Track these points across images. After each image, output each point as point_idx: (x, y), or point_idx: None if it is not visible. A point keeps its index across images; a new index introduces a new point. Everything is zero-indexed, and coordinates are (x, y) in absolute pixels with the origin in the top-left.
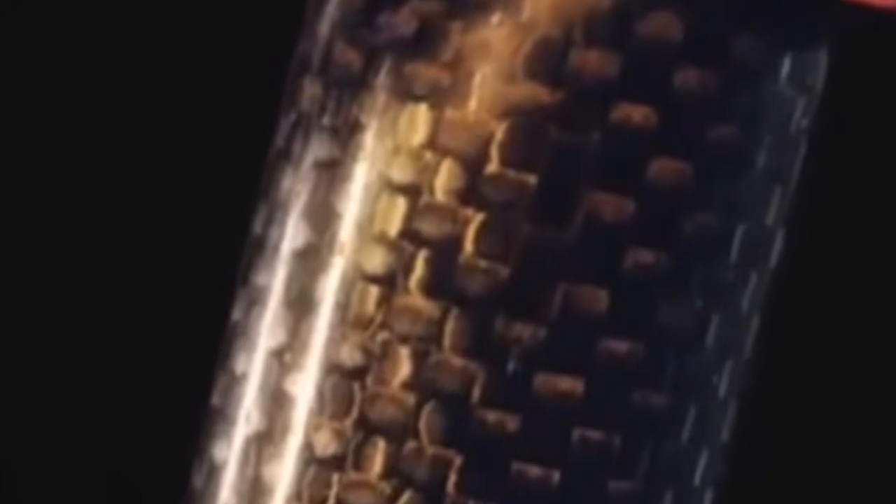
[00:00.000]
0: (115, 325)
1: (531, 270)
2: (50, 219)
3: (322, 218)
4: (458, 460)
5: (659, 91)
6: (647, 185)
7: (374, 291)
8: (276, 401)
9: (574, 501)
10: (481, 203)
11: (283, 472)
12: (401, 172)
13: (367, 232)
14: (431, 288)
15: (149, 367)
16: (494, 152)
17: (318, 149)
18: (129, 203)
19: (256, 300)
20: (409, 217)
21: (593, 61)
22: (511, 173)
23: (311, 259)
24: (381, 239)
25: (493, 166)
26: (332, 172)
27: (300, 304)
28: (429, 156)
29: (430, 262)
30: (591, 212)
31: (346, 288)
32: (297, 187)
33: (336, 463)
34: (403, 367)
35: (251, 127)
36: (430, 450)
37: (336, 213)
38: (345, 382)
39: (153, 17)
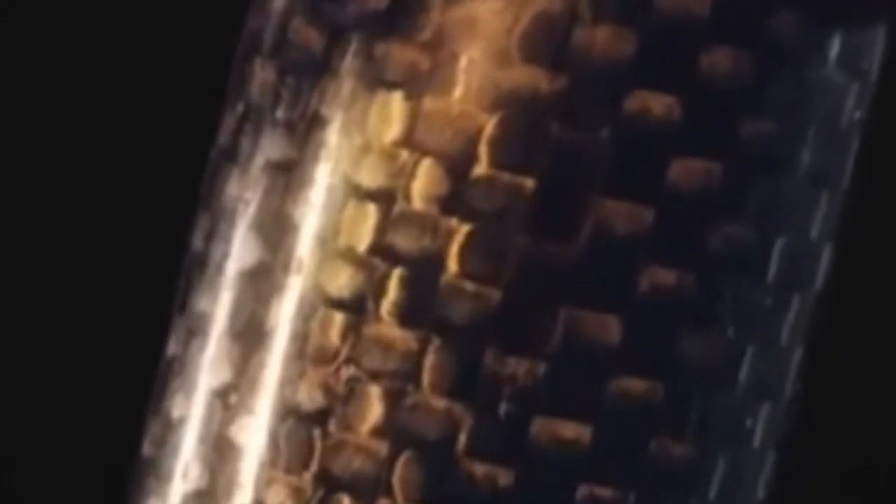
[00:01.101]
0: (24, 361)
1: (528, 294)
2: None
3: (276, 230)
4: None
5: (682, 77)
6: (667, 191)
7: (338, 319)
8: (221, 451)
9: None
10: (468, 212)
11: None
12: (371, 175)
13: (331, 247)
14: (408, 315)
15: (67, 410)
16: (483, 151)
17: (270, 147)
18: (42, 208)
19: (196, 330)
20: (381, 229)
21: (603, 41)
22: (504, 177)
23: (262, 280)
24: (348, 255)
25: (481, 168)
26: (288, 175)
27: (249, 335)
28: (404, 155)
29: (406, 284)
30: (600, 223)
31: (305, 315)
32: (245, 194)
33: None
34: (374, 410)
35: (188, 120)
36: None
37: (293, 224)
38: (303, 428)
39: None
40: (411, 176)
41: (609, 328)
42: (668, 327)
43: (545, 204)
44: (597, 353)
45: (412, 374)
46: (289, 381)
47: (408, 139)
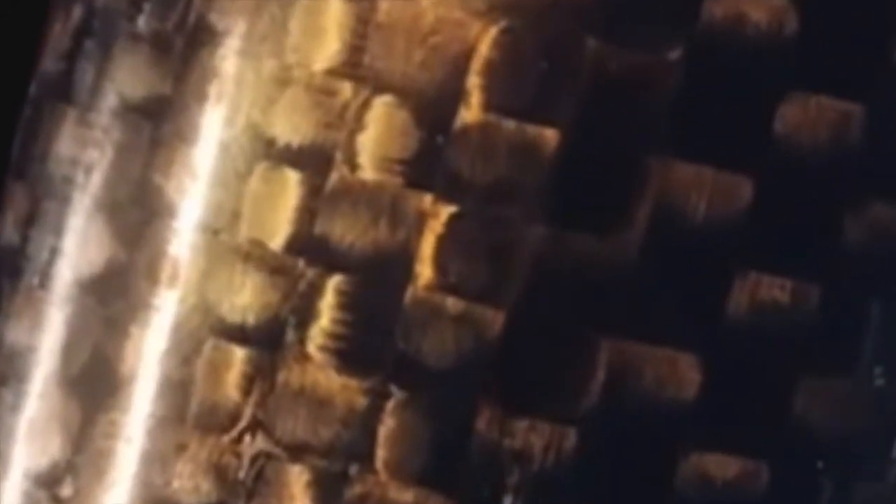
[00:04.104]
0: None
1: (548, 318)
2: None
3: (136, 214)
4: None
5: None
6: (775, 150)
7: (238, 359)
8: None
9: None
10: (449, 185)
11: None
12: (292, 124)
13: (226, 242)
14: (352, 351)
15: None
16: (474, 85)
17: (127, 78)
18: None
19: (7, 376)
20: (308, 212)
21: None
22: (507, 127)
23: (114, 295)
24: (254, 255)
25: (471, 112)
26: (157, 125)
27: (92, 385)
28: (346, 91)
29: (348, 301)
30: (664, 203)
31: (185, 352)
32: (86, 154)
33: None
34: None
35: None
36: None
37: (164, 204)
38: None
39: None
40: (358, 125)
41: (683, 373)
42: (776, 369)
43: (575, 172)
44: (663, 415)
45: (358, 450)
46: (159, 460)
47: (352, 64)
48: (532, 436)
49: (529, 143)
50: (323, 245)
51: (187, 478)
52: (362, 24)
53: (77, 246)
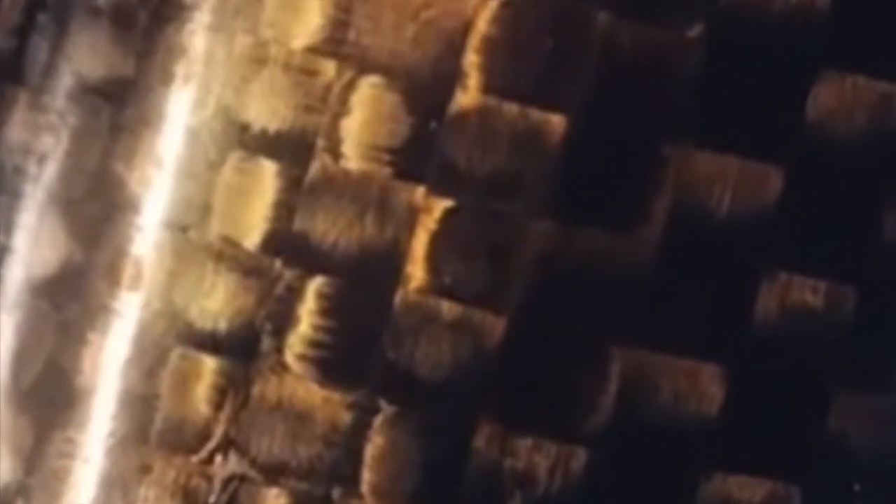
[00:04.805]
0: None
1: (555, 324)
2: None
3: (95, 209)
4: None
5: None
6: (808, 137)
7: (209, 370)
8: None
9: None
10: (444, 177)
11: None
12: (268, 109)
13: (194, 239)
14: (335, 361)
15: None
16: (472, 64)
17: (86, 56)
18: None
19: None
20: (287, 207)
21: None
22: (509, 112)
23: (69, 298)
24: (226, 255)
25: (468, 95)
26: (118, 108)
27: (45, 398)
28: (329, 71)
29: (331, 305)
30: (684, 196)
31: (149, 363)
32: (38, 141)
33: None
34: None
35: None
36: None
37: (125, 197)
38: None
39: None
40: (341, 109)
41: (705, 386)
42: (808, 382)
43: (585, 162)
44: (683, 432)
45: (342, 471)
46: (120, 483)
47: (336, 41)
48: (536, 456)
49: (533, 130)
50: (303, 243)
51: (151, 503)
52: None
53: (29, 244)
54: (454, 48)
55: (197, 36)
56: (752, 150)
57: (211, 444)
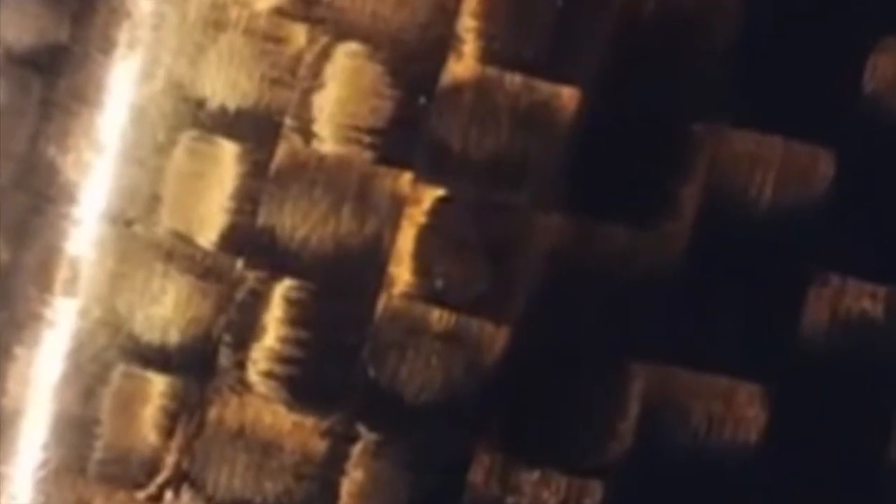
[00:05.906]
0: None
1: (566, 335)
2: None
3: (22, 200)
4: None
5: None
6: (864, 114)
7: (157, 389)
8: None
9: None
10: (434, 160)
11: None
12: (227, 81)
13: (142, 236)
14: (306, 380)
15: None
16: (467, 28)
17: (12, 21)
18: None
19: None
20: (249, 197)
21: None
22: (510, 83)
23: None
24: (177, 253)
25: (462, 65)
26: (51, 81)
27: None
28: (300, 37)
29: (302, 313)
30: (719, 183)
31: (87, 380)
32: None
33: None
34: None
35: None
36: None
37: (60, 186)
38: None
39: None
40: (314, 82)
41: (743, 408)
42: (864, 404)
43: (601, 144)
44: (716, 463)
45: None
46: None
47: (307, 2)
48: (543, 492)
49: (541, 106)
50: (268, 240)
51: None
52: None
53: None
54: (446, 10)
55: None
56: (799, 130)
57: (160, 478)
